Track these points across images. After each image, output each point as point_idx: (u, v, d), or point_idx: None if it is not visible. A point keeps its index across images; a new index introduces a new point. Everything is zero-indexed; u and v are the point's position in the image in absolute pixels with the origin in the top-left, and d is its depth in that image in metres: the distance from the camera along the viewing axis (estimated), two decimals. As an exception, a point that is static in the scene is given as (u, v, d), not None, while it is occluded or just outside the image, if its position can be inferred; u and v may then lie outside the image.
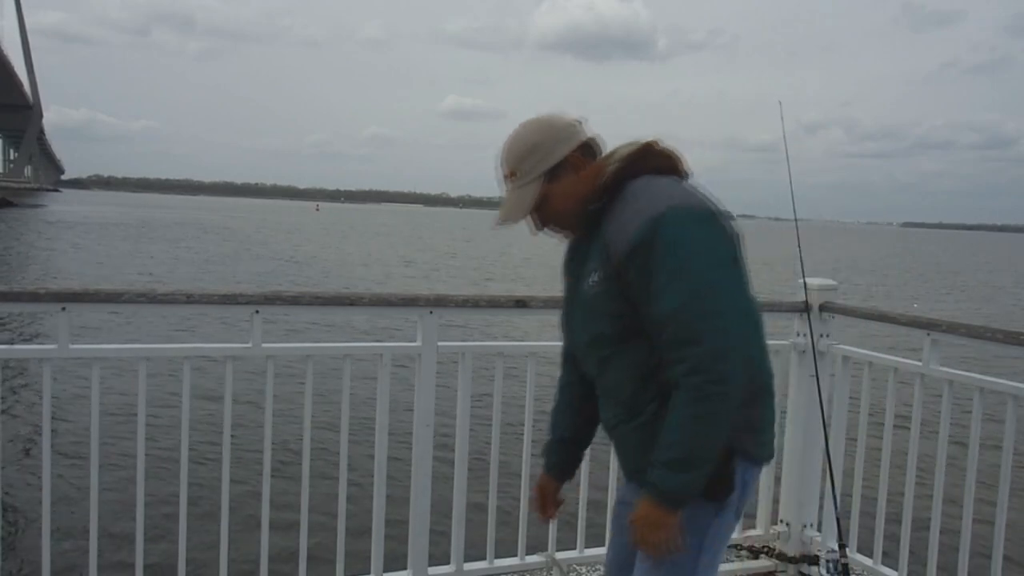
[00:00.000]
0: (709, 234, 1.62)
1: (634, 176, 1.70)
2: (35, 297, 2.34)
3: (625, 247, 1.62)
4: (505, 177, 1.77)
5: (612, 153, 1.76)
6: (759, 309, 1.68)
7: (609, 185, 1.71)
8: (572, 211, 1.75)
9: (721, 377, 1.54)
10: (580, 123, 1.78)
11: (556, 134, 1.74)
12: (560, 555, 3.04)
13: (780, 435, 3.29)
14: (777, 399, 2.99)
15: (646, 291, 1.60)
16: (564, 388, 2.01)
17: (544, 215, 1.77)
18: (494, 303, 2.88)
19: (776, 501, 3.34)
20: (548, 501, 2.03)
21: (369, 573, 2.81)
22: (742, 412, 1.63)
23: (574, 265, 1.82)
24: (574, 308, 1.81)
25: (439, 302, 2.76)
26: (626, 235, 1.62)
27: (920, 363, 2.84)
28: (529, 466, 2.97)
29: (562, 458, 2.02)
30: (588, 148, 1.76)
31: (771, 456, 1.80)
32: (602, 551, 3.02)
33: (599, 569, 3.14)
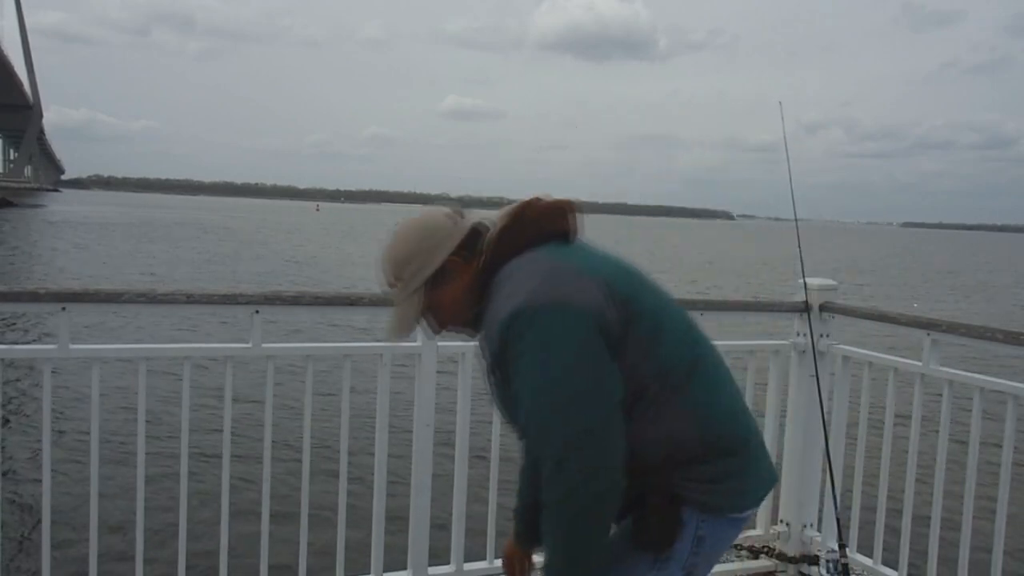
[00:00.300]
0: (556, 331, 1.51)
1: (506, 259, 1.62)
2: (35, 297, 2.34)
3: (492, 357, 1.61)
4: (388, 285, 1.71)
5: (489, 238, 1.68)
6: (614, 405, 1.53)
7: (485, 283, 1.64)
8: (461, 315, 1.71)
9: (568, 491, 1.48)
10: (460, 217, 1.70)
11: (432, 241, 1.66)
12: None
13: (780, 435, 3.30)
14: (775, 401, 2.97)
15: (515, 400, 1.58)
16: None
17: (438, 319, 1.73)
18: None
19: (776, 501, 3.34)
20: (516, 569, 1.93)
21: (369, 573, 2.81)
22: (691, 469, 1.58)
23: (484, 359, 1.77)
24: (495, 399, 1.75)
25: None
26: (491, 343, 1.60)
27: (920, 363, 2.85)
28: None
29: (530, 525, 1.84)
30: (470, 243, 1.67)
31: (745, 508, 1.67)
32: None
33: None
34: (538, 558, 1.76)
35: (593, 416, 1.50)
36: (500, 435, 2.94)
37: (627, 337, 1.55)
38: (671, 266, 37.99)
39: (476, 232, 1.69)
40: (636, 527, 1.62)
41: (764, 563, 3.27)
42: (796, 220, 3.40)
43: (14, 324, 11.77)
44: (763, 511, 3.32)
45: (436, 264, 1.66)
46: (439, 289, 1.67)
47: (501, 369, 1.61)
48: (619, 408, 1.53)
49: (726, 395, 1.67)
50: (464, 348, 2.84)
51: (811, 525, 3.29)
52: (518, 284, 1.57)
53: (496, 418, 2.90)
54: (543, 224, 1.66)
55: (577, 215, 1.69)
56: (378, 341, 2.84)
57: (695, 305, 3.10)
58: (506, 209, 1.70)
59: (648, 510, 1.60)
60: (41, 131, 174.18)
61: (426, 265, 1.66)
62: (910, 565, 2.89)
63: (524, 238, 1.64)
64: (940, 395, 2.79)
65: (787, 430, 3.29)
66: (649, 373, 1.57)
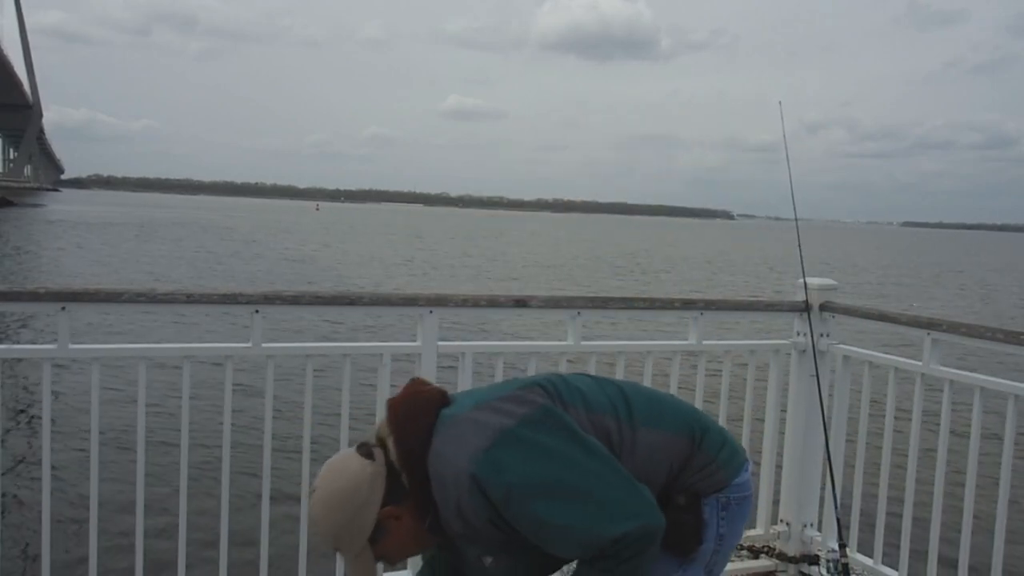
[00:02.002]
0: (524, 450, 1.52)
1: (423, 468, 1.57)
2: (35, 297, 2.34)
3: (474, 532, 1.57)
4: (333, 549, 1.65)
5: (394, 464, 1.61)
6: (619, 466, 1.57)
7: (425, 502, 1.58)
8: (417, 547, 1.69)
9: (634, 554, 1.50)
10: (372, 459, 1.60)
11: (354, 507, 1.57)
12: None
13: (780, 435, 3.29)
14: (775, 401, 2.97)
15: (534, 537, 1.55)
16: None
17: (397, 558, 1.71)
18: (494, 303, 2.88)
19: (776, 501, 3.34)
20: None
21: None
22: (691, 464, 1.66)
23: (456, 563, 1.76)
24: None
25: (439, 302, 2.76)
26: (468, 523, 1.55)
27: (920, 363, 2.84)
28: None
29: None
30: (393, 484, 1.59)
31: (739, 465, 1.74)
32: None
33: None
34: None
35: (614, 495, 1.52)
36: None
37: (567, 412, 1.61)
38: (671, 266, 38.00)
39: (393, 467, 1.60)
40: (667, 531, 1.62)
41: (764, 563, 3.27)
42: (796, 220, 3.40)
43: (14, 324, 11.77)
44: (763, 511, 3.32)
45: (369, 527, 1.58)
46: (382, 541, 1.61)
47: (497, 537, 1.58)
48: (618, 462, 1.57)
49: (667, 400, 1.79)
50: (464, 348, 2.84)
51: (811, 525, 3.29)
52: (457, 452, 1.53)
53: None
54: (420, 403, 1.63)
55: (430, 383, 1.71)
56: (378, 341, 2.84)
57: (695, 305, 3.10)
58: (385, 422, 1.64)
59: (674, 511, 1.64)
60: (41, 131, 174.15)
61: (359, 531, 1.58)
62: (910, 565, 2.88)
63: (421, 428, 1.59)
64: (940, 394, 2.79)
65: (787, 430, 3.29)
66: (606, 424, 1.62)
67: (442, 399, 1.66)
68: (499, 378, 2.91)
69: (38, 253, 28.03)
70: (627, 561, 1.51)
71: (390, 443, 1.61)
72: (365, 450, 1.62)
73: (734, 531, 1.74)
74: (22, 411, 7.66)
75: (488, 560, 1.66)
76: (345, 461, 1.62)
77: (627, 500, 1.53)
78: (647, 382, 2.85)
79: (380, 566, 2.16)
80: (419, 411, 1.62)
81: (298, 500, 2.70)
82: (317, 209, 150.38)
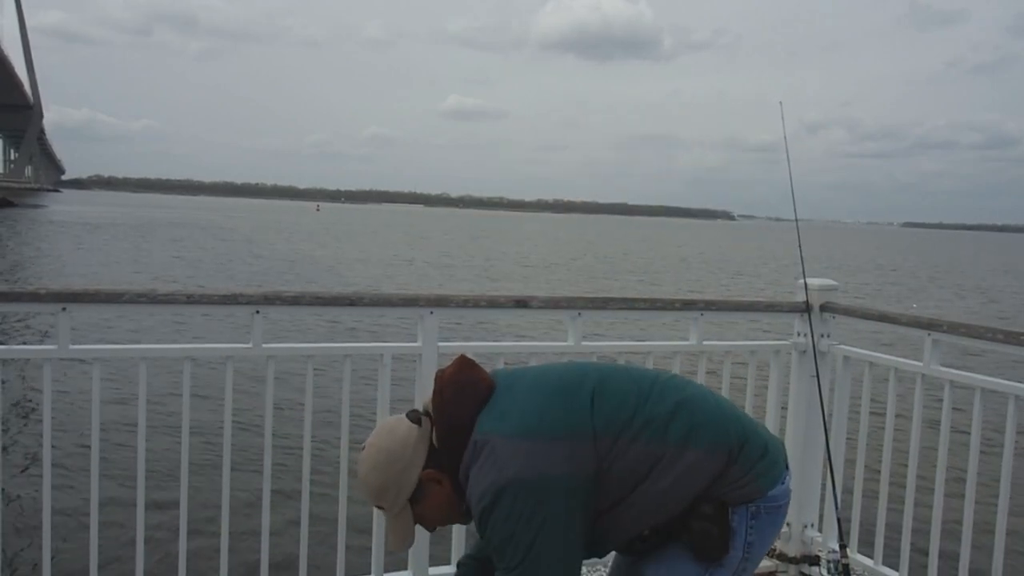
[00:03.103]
0: (521, 512, 1.60)
1: (460, 450, 1.69)
2: (35, 297, 2.34)
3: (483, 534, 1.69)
4: (376, 507, 1.78)
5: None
6: (578, 560, 1.67)
7: (457, 482, 1.71)
8: (450, 518, 1.79)
9: None
10: (420, 424, 1.74)
11: (400, 464, 1.71)
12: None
13: (781, 435, 3.29)
14: (776, 401, 2.98)
15: None
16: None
17: (431, 525, 1.83)
18: (494, 303, 2.88)
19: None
20: None
21: (369, 573, 2.81)
22: (724, 478, 1.68)
23: None
24: None
25: (439, 302, 2.76)
26: (476, 524, 1.69)
27: (921, 363, 2.84)
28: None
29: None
30: (436, 454, 1.73)
31: (775, 477, 1.76)
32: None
33: (600, 570, 3.14)
34: None
35: (576, 562, 1.65)
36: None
37: (614, 446, 1.65)
38: (672, 265, 38.01)
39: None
40: (694, 537, 1.69)
41: (765, 563, 3.26)
42: (796, 220, 3.40)
43: (14, 324, 11.77)
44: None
45: (411, 486, 1.71)
46: (422, 503, 1.74)
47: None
48: (579, 561, 1.67)
49: (711, 411, 1.75)
50: (464, 348, 2.84)
51: (812, 525, 3.29)
52: (479, 473, 1.64)
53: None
54: (465, 396, 1.71)
55: (477, 364, 1.77)
56: (378, 341, 2.84)
57: (695, 305, 3.10)
58: (431, 397, 1.75)
59: (702, 519, 1.67)
60: (41, 131, 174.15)
61: (402, 489, 1.71)
62: (911, 565, 2.88)
63: (461, 421, 1.69)
64: (941, 395, 2.79)
65: (788, 430, 3.29)
66: (646, 448, 1.66)
67: (487, 393, 1.72)
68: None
69: (38, 254, 28.03)
70: None
71: (434, 424, 1.73)
72: (415, 416, 1.75)
73: (764, 539, 1.76)
74: (22, 411, 7.66)
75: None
76: (395, 423, 1.75)
77: None
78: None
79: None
80: (461, 410, 1.70)
81: (299, 499, 2.70)
82: (317, 210, 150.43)
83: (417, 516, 1.75)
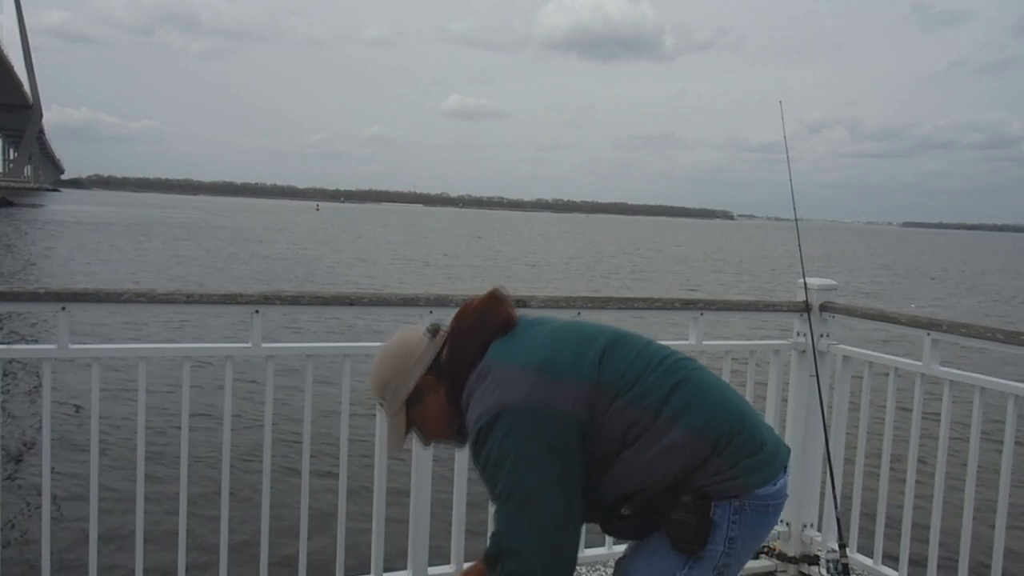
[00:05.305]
0: (520, 436, 1.65)
1: (466, 372, 1.76)
2: (35, 297, 2.34)
3: (473, 461, 1.76)
4: (379, 404, 1.88)
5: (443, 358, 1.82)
6: (574, 498, 1.69)
7: (457, 397, 1.78)
8: (442, 430, 1.86)
9: (524, 566, 1.64)
10: (433, 335, 1.83)
11: (406, 363, 1.81)
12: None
13: (780, 435, 3.29)
14: (776, 401, 2.98)
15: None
16: None
17: (424, 433, 1.89)
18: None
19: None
20: None
21: (369, 573, 2.81)
22: (708, 466, 1.68)
23: None
24: None
25: (439, 302, 2.76)
26: (471, 450, 1.74)
27: (920, 363, 2.84)
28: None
29: None
30: (440, 367, 1.81)
31: (767, 477, 1.73)
32: (603, 551, 3.03)
33: (599, 569, 3.14)
34: None
35: (555, 518, 1.65)
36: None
37: (611, 404, 1.68)
38: (672, 265, 38.00)
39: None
40: (671, 527, 1.70)
41: (764, 563, 3.27)
42: (796, 220, 3.40)
43: (14, 324, 11.76)
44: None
45: (410, 386, 1.81)
46: (418, 407, 1.83)
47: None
48: (577, 503, 1.69)
49: (710, 396, 1.76)
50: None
51: (811, 525, 3.29)
52: (484, 395, 1.70)
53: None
54: (484, 325, 1.79)
55: (508, 300, 1.83)
56: (378, 341, 2.83)
57: (695, 305, 3.10)
58: (465, 312, 1.83)
59: (681, 509, 1.69)
60: (41, 131, 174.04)
61: (401, 387, 1.81)
62: (910, 565, 2.88)
63: (472, 346, 1.78)
64: (941, 395, 2.79)
65: (787, 430, 3.29)
66: (638, 416, 1.68)
67: (505, 327, 1.79)
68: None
69: (38, 253, 28.02)
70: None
71: (447, 341, 1.82)
72: (433, 328, 1.86)
73: (749, 537, 1.74)
74: (22, 411, 7.66)
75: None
76: (412, 331, 1.87)
77: (546, 532, 1.65)
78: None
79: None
80: (475, 337, 1.78)
81: (298, 498, 2.70)
82: (317, 209, 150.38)
83: (413, 420, 1.84)
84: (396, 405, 1.82)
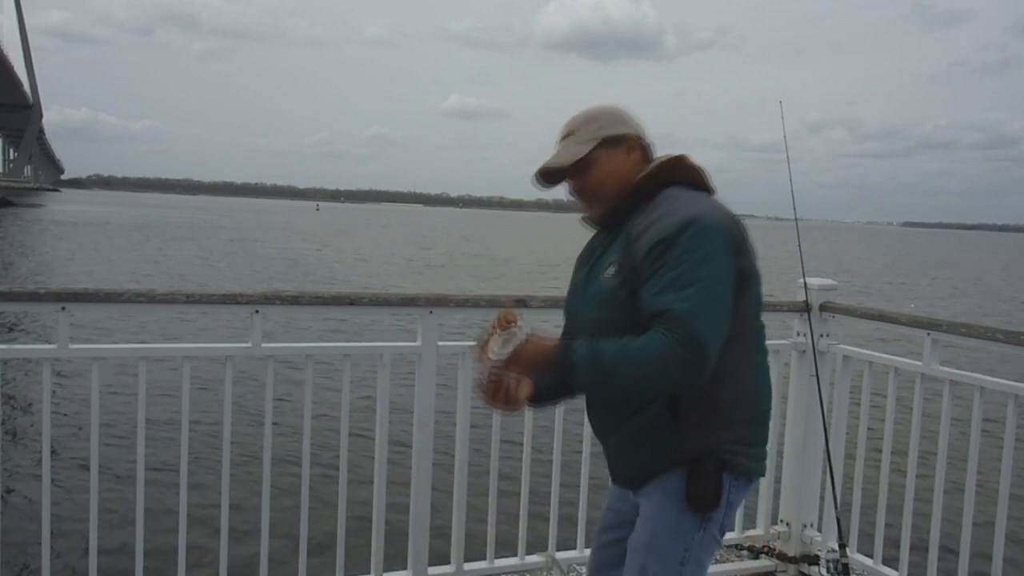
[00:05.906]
0: (723, 250, 1.67)
1: (667, 184, 1.77)
2: (35, 297, 2.34)
3: (648, 243, 1.67)
4: (562, 139, 1.86)
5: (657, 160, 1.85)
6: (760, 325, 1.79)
7: (642, 185, 1.78)
8: (608, 188, 1.81)
9: (694, 353, 1.57)
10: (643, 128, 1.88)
11: (622, 117, 1.85)
12: (560, 555, 3.04)
13: (780, 435, 3.29)
14: (776, 401, 2.98)
15: (654, 283, 1.64)
16: None
17: (582, 182, 1.84)
18: (494, 302, 2.87)
19: (776, 501, 3.34)
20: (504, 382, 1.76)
21: (369, 573, 2.81)
22: (737, 429, 1.74)
23: (590, 258, 1.88)
24: (584, 297, 1.85)
25: (439, 302, 2.76)
26: (652, 232, 1.67)
27: (920, 363, 2.84)
28: (529, 466, 2.97)
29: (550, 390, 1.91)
30: (644, 145, 1.86)
31: (761, 474, 1.84)
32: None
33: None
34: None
35: (721, 326, 1.64)
36: (500, 435, 2.94)
37: (748, 283, 1.73)
38: (671, 266, 37.87)
39: (649, 148, 1.87)
40: (691, 490, 1.74)
41: (764, 563, 3.27)
42: (796, 220, 3.39)
43: (14, 324, 11.76)
44: (763, 511, 3.32)
45: (619, 131, 1.82)
46: (607, 152, 1.81)
47: (635, 262, 1.69)
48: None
49: (767, 369, 1.86)
50: (464, 348, 2.84)
51: (811, 525, 3.29)
52: (693, 202, 1.72)
53: (496, 418, 2.90)
54: (701, 175, 1.82)
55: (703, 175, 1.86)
56: (378, 341, 2.84)
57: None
58: (662, 155, 1.86)
59: (701, 475, 1.73)
60: (41, 131, 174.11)
61: (611, 126, 1.82)
62: (910, 565, 2.88)
63: (686, 175, 1.80)
64: (941, 395, 2.79)
65: (787, 430, 3.29)
66: (749, 323, 1.75)
67: (708, 190, 1.83)
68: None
69: (38, 253, 28.02)
70: (676, 356, 1.57)
71: (660, 158, 1.84)
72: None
73: (736, 503, 1.81)
74: (22, 411, 7.66)
75: (611, 271, 1.74)
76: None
77: (718, 327, 1.63)
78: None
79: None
80: (684, 173, 1.81)
81: (298, 498, 2.70)
82: (317, 209, 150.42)
83: (594, 158, 1.80)
84: (593, 136, 1.81)
